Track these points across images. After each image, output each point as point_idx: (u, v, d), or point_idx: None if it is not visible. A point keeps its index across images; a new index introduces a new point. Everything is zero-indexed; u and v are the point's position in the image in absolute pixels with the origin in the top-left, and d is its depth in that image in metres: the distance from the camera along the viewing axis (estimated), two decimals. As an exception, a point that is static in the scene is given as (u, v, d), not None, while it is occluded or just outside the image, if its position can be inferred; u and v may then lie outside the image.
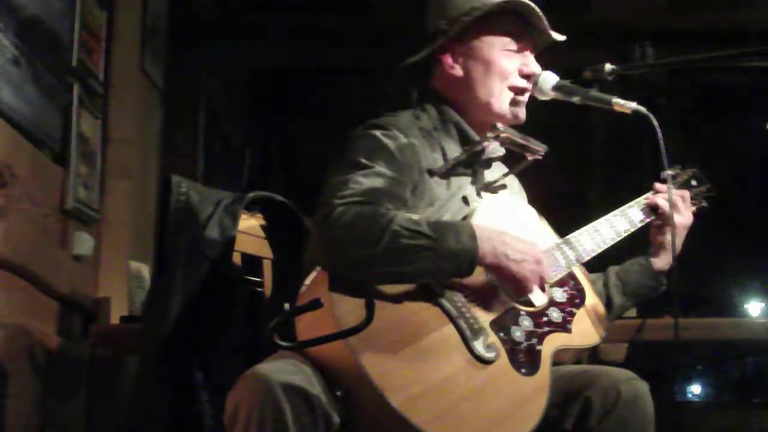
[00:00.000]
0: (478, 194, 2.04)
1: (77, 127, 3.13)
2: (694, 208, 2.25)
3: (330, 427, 1.64)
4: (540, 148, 2.05)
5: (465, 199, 2.00)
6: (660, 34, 3.99)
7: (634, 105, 2.02)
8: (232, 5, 4.54)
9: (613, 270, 2.21)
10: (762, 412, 4.14)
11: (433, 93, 2.09)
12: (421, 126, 2.02)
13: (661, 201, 2.17)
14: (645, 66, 2.80)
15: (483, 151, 2.03)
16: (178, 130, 4.22)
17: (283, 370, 1.63)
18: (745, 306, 5.84)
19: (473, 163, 2.05)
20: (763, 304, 5.79)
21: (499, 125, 2.00)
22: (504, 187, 2.11)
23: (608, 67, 2.08)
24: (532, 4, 2.03)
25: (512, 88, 2.05)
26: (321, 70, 5.14)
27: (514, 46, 2.05)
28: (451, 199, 1.97)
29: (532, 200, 2.14)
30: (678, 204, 2.14)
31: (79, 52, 3.14)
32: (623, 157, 4.65)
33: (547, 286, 1.97)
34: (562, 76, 2.09)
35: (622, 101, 2.03)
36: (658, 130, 1.99)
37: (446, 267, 1.76)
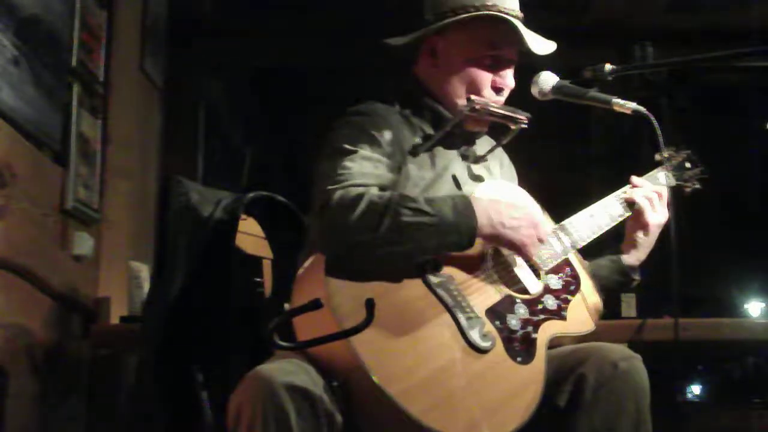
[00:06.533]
0: (469, 172, 2.05)
1: (77, 127, 3.13)
2: (687, 189, 2.29)
3: (333, 426, 1.64)
4: (522, 117, 2.04)
5: (455, 180, 2.00)
6: (660, 34, 3.98)
7: (634, 105, 2.02)
8: (231, 5, 4.54)
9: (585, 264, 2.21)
10: (762, 412, 4.13)
11: (413, 77, 2.10)
12: (399, 111, 2.03)
13: (639, 198, 2.13)
14: (645, 66, 2.80)
15: (459, 125, 2.03)
16: (178, 130, 4.22)
17: (285, 370, 1.63)
18: (745, 306, 5.84)
19: (455, 140, 2.05)
20: (763, 304, 5.79)
21: (474, 97, 2.00)
22: (485, 159, 2.12)
23: (608, 67, 2.08)
24: (517, 23, 2.00)
25: None
26: (321, 70, 5.14)
27: (494, 53, 2.03)
28: (438, 180, 1.98)
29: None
30: (654, 202, 2.14)
31: (79, 52, 3.14)
32: (623, 156, 4.65)
33: (542, 273, 1.98)
34: (562, 76, 2.09)
35: (621, 101, 2.03)
36: (658, 130, 1.99)
37: (447, 241, 1.78)
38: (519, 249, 1.89)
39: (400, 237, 1.73)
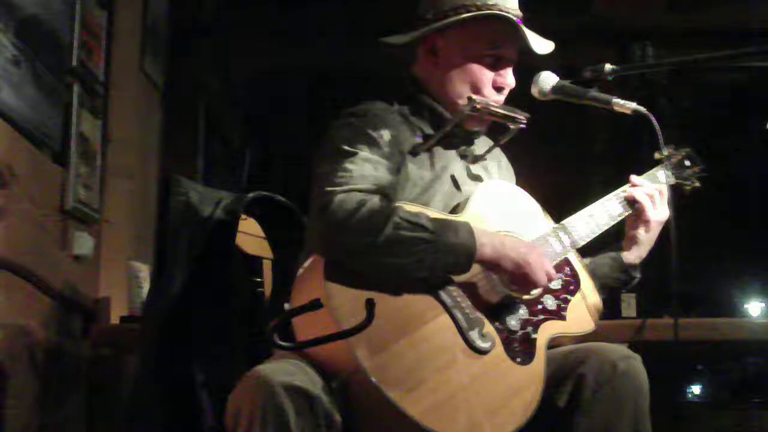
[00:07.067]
0: (467, 171, 2.05)
1: (77, 127, 3.13)
2: (687, 188, 2.28)
3: (332, 427, 1.64)
4: (521, 116, 2.04)
5: (454, 180, 2.00)
6: (660, 34, 3.99)
7: (633, 105, 2.02)
8: (232, 5, 4.54)
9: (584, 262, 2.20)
10: (762, 412, 4.14)
11: (412, 77, 2.10)
12: (398, 110, 2.03)
13: (640, 195, 2.13)
14: (645, 66, 2.80)
15: (458, 125, 2.03)
16: (178, 130, 4.22)
17: (284, 370, 1.63)
18: (745, 306, 5.85)
19: (454, 140, 2.05)
20: (763, 304, 5.79)
21: (475, 96, 2.00)
22: (484, 159, 2.12)
23: (608, 67, 2.08)
24: (515, 21, 2.01)
25: None
26: (321, 70, 5.14)
27: (494, 52, 2.03)
28: (437, 180, 1.97)
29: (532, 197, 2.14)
30: (655, 198, 2.13)
31: (79, 52, 3.14)
32: (623, 156, 4.65)
33: None
34: (562, 76, 2.09)
35: (621, 101, 2.03)
36: (658, 129, 1.99)
37: (444, 261, 1.77)
38: (523, 277, 1.84)
39: (397, 249, 1.72)
